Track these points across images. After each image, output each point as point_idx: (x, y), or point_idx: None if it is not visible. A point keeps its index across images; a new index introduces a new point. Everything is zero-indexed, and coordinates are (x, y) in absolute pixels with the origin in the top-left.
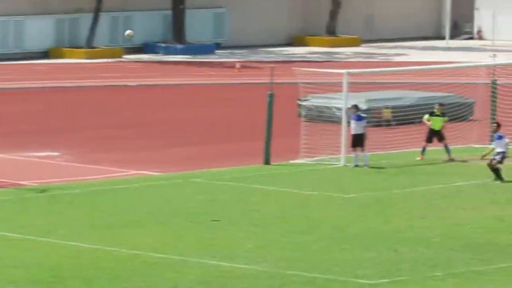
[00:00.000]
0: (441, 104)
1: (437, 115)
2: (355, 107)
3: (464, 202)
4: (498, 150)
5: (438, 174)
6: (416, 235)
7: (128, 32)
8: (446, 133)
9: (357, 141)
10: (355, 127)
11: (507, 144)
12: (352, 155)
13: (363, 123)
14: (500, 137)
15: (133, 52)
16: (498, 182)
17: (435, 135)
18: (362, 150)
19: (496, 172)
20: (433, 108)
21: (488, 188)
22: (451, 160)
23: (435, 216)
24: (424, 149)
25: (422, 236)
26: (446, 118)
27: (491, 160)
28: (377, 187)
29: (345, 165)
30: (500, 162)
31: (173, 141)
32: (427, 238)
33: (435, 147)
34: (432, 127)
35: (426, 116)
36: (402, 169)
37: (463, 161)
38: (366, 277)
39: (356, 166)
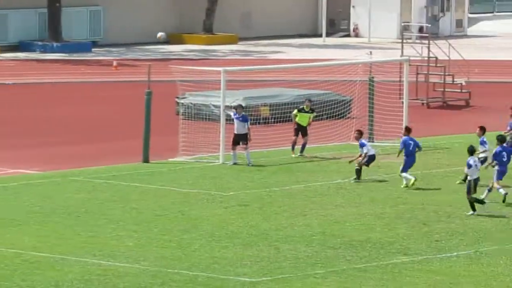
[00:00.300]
0: (309, 100)
1: (306, 112)
2: (241, 107)
3: (343, 200)
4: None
5: (317, 171)
6: (297, 232)
7: (160, 34)
8: (324, 131)
9: (239, 140)
10: (238, 127)
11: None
12: (231, 153)
13: (247, 124)
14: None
15: (9, 50)
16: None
17: (301, 130)
18: (245, 148)
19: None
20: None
21: (367, 185)
22: (302, 156)
23: (315, 214)
24: (294, 145)
25: (302, 234)
26: (314, 114)
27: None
28: (257, 185)
29: (223, 163)
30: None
31: (52, 140)
32: (307, 236)
33: (314, 145)
34: (299, 122)
35: (295, 112)
36: (281, 167)
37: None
38: (247, 275)
39: (235, 164)
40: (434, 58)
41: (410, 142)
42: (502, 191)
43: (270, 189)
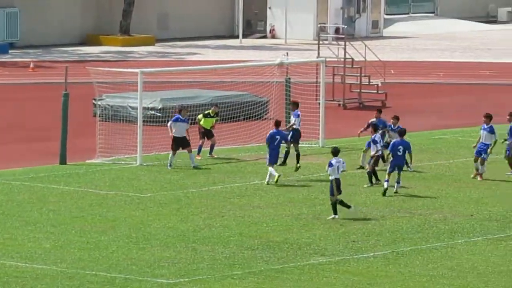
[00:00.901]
0: (216, 106)
1: (212, 116)
2: (185, 108)
3: (261, 201)
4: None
5: (235, 172)
6: (214, 234)
7: (279, 61)
8: (241, 132)
9: (180, 144)
10: (179, 130)
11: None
12: (170, 155)
13: (186, 125)
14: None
15: None
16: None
17: (207, 133)
18: (190, 151)
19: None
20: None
21: (285, 187)
22: (212, 157)
23: (232, 215)
24: (200, 149)
25: (220, 235)
26: (217, 118)
27: None
28: (174, 186)
29: (141, 165)
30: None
31: None
32: (225, 237)
33: (231, 146)
34: (204, 125)
35: (200, 116)
36: (199, 168)
37: (254, 159)
38: (165, 276)
39: (171, 167)
40: (350, 59)
41: (277, 137)
42: (385, 184)
43: (187, 191)
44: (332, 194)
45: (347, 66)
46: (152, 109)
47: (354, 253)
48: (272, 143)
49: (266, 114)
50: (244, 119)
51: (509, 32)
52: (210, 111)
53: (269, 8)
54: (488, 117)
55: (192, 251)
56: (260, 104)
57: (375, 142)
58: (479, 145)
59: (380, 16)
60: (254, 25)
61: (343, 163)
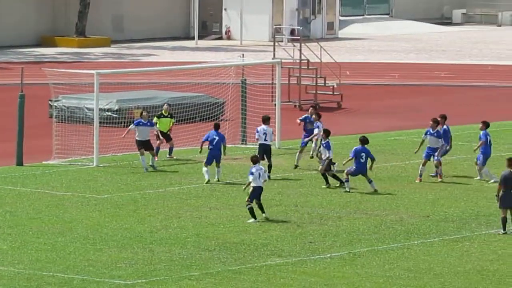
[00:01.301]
0: (168, 105)
1: (165, 117)
2: (146, 111)
3: (218, 202)
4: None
5: (191, 174)
6: (171, 235)
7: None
8: (197, 133)
9: (143, 147)
10: (142, 134)
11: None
12: (140, 158)
13: (150, 128)
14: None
15: None
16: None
17: (164, 136)
18: (153, 155)
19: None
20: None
21: (241, 188)
22: (171, 158)
23: (189, 216)
24: (158, 150)
25: (177, 236)
26: (173, 120)
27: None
28: (131, 188)
29: (97, 166)
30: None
31: None
32: (182, 238)
33: (187, 147)
34: (160, 129)
35: (155, 119)
36: (155, 170)
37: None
38: (122, 277)
39: (147, 170)
40: (306, 61)
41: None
42: (347, 186)
43: (144, 192)
44: (251, 200)
45: (302, 67)
46: (108, 110)
47: (311, 254)
48: (211, 143)
49: (222, 115)
50: (200, 120)
51: (464, 33)
52: (163, 110)
53: (225, 9)
54: (435, 122)
55: (149, 252)
56: (216, 105)
57: (328, 147)
58: (426, 149)
59: (335, 18)
60: (210, 27)
61: (264, 171)
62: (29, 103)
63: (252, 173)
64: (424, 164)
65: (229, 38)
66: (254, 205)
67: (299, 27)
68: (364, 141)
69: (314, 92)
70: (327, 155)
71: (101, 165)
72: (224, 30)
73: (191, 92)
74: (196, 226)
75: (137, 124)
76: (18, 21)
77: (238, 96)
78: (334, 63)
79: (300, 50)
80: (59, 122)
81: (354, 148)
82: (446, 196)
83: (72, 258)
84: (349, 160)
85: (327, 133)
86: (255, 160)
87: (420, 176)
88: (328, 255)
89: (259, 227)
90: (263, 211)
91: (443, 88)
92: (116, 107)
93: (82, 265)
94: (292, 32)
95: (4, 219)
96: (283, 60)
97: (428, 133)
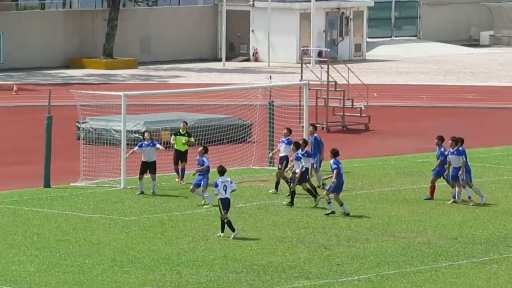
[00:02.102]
0: (185, 122)
1: (182, 135)
2: (148, 132)
3: (245, 224)
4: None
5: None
6: (199, 257)
7: None
8: (225, 155)
9: (148, 168)
10: (147, 155)
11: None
12: (138, 182)
13: (153, 148)
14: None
15: None
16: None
17: (180, 157)
18: (154, 178)
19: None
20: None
21: (268, 209)
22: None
23: (217, 238)
24: (177, 171)
25: (204, 258)
26: (192, 139)
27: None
28: (158, 210)
29: (125, 188)
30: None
31: None
32: (209, 260)
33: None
34: (176, 147)
35: (172, 138)
36: (182, 191)
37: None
38: None
39: (142, 193)
40: (333, 82)
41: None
42: (331, 207)
43: (171, 214)
44: (221, 213)
45: (330, 89)
46: (135, 132)
47: (339, 276)
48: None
49: (249, 137)
50: (227, 142)
51: (491, 55)
52: (180, 129)
53: (252, 31)
54: (454, 141)
55: (177, 274)
56: (244, 127)
57: (298, 158)
58: (452, 170)
59: (362, 39)
60: (237, 48)
61: (231, 182)
62: (56, 124)
63: (216, 185)
64: (453, 186)
65: (256, 59)
66: (224, 217)
67: (326, 49)
68: (336, 153)
69: (342, 114)
70: (302, 167)
71: (129, 187)
72: (251, 51)
73: (218, 114)
74: (223, 248)
75: (140, 146)
76: (46, 43)
77: (266, 118)
78: (362, 85)
79: (328, 72)
80: (86, 143)
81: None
82: (473, 218)
83: (99, 280)
84: (329, 177)
85: (297, 145)
86: (221, 171)
87: (454, 198)
88: (356, 277)
89: (287, 249)
90: (233, 229)
91: (471, 110)
92: (144, 129)
93: (109, 287)
94: (320, 54)
95: (31, 241)
96: (310, 82)
97: (449, 152)
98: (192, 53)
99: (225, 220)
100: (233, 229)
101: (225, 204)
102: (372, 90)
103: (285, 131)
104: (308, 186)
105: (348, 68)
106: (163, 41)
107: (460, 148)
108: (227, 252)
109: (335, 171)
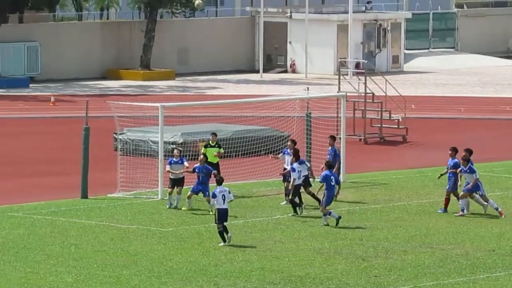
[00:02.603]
0: (214, 134)
1: (212, 146)
2: (178, 149)
3: (283, 235)
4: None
5: (256, 207)
6: (236, 268)
7: (197, 2)
8: (262, 167)
9: (175, 184)
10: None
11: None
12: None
13: (182, 165)
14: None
15: None
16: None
17: (213, 168)
18: (179, 192)
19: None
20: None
21: (305, 221)
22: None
23: (254, 249)
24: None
25: (242, 270)
26: (221, 150)
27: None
28: (196, 221)
29: (162, 199)
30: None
31: None
32: (247, 271)
33: (252, 181)
34: (209, 159)
35: (202, 149)
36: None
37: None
38: None
39: (171, 205)
40: (371, 94)
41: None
42: (334, 215)
43: (208, 225)
44: (220, 223)
45: (367, 101)
46: (173, 143)
47: None
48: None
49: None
50: (265, 153)
51: None
52: (210, 140)
53: (290, 42)
54: (466, 160)
55: (214, 285)
56: (281, 138)
57: (293, 169)
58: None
59: (400, 51)
60: (275, 60)
61: (228, 192)
62: (94, 135)
63: (215, 196)
64: (462, 197)
65: (294, 71)
66: (220, 227)
67: (364, 61)
68: (330, 165)
69: (379, 125)
70: (294, 179)
71: (166, 198)
72: (289, 63)
73: (255, 126)
74: (261, 260)
75: (170, 163)
76: (83, 54)
77: (303, 130)
78: (399, 97)
79: (365, 84)
80: (123, 155)
81: (323, 173)
82: (511, 230)
83: None
84: (321, 186)
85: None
86: (219, 181)
87: (462, 210)
88: None
89: (324, 261)
90: (227, 232)
91: (509, 122)
92: (181, 140)
93: None
94: (357, 65)
95: (69, 252)
96: (348, 94)
97: (462, 170)
98: (229, 65)
99: (219, 230)
100: (224, 240)
101: (222, 214)
102: (410, 102)
103: (289, 142)
104: (310, 190)
105: (386, 80)
106: (200, 52)
107: (471, 165)
108: (265, 263)
109: (324, 184)
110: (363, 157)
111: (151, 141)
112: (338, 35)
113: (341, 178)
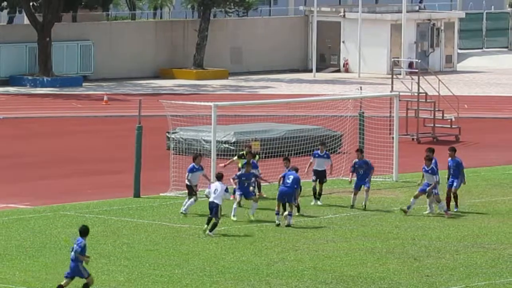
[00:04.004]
0: (250, 147)
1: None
2: (199, 155)
3: (335, 235)
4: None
5: (309, 206)
6: (288, 267)
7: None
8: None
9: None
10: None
11: None
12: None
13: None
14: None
15: None
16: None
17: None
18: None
19: None
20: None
21: (358, 220)
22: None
23: (306, 249)
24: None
25: (294, 269)
26: (257, 157)
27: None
28: (247, 220)
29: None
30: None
31: (43, 174)
32: (299, 271)
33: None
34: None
35: (235, 158)
36: (272, 201)
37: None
38: None
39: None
40: (424, 94)
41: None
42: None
43: (261, 224)
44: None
45: (420, 100)
46: (225, 142)
47: (428, 287)
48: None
49: (340, 148)
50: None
51: None
52: (245, 152)
53: (343, 42)
54: (429, 160)
55: (266, 285)
56: (334, 138)
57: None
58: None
59: (453, 51)
60: (328, 59)
61: (226, 190)
62: (147, 134)
63: (209, 187)
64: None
65: (347, 70)
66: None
67: (417, 60)
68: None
69: (432, 125)
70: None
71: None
72: (342, 62)
73: (308, 125)
74: (313, 259)
75: (191, 170)
76: (137, 54)
77: (356, 129)
78: (452, 96)
79: (418, 83)
80: (176, 154)
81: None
82: None
83: None
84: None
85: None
86: (218, 176)
87: (409, 208)
88: None
89: (376, 260)
90: (207, 225)
91: None
92: (234, 140)
93: None
94: (410, 65)
95: (121, 251)
96: (401, 93)
97: (424, 170)
98: (282, 64)
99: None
100: (211, 229)
101: (210, 208)
102: (463, 102)
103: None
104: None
105: (439, 79)
106: (253, 51)
107: (434, 166)
108: (317, 263)
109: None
110: (416, 157)
111: (204, 140)
112: (392, 34)
113: (393, 177)
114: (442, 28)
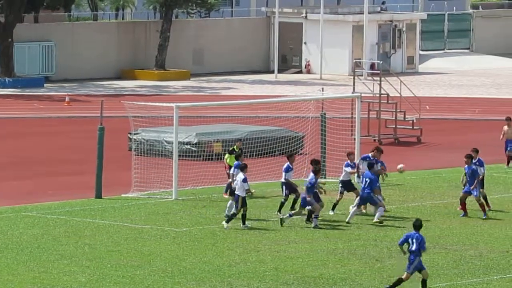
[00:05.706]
0: (239, 140)
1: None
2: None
3: (297, 236)
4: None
5: (270, 207)
6: (250, 268)
7: (400, 166)
8: (277, 167)
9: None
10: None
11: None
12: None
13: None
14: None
15: None
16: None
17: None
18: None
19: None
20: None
21: (319, 222)
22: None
23: (268, 250)
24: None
25: (255, 270)
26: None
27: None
28: (210, 221)
29: (176, 199)
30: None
31: (5, 175)
32: (261, 272)
33: (266, 181)
34: (230, 164)
35: (227, 156)
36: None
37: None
38: None
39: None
40: (386, 95)
41: None
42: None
43: (222, 225)
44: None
45: (382, 101)
46: (187, 143)
47: None
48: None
49: (301, 149)
50: (279, 154)
51: None
52: (235, 146)
53: (305, 43)
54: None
55: (228, 285)
56: (296, 139)
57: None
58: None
59: (415, 52)
60: (290, 60)
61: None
62: (108, 135)
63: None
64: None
65: (308, 72)
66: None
67: (379, 61)
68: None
69: (394, 126)
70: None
71: (180, 198)
72: (304, 63)
73: (270, 126)
74: (274, 260)
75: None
76: (99, 55)
77: (318, 130)
78: (414, 98)
79: (380, 84)
80: (138, 155)
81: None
82: None
83: None
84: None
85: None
86: (242, 168)
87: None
88: None
89: (338, 261)
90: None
91: None
92: (196, 141)
93: None
94: (372, 66)
95: (83, 252)
96: (362, 94)
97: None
98: (244, 65)
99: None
100: (242, 222)
101: (235, 200)
102: (425, 103)
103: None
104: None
105: (401, 81)
106: (215, 52)
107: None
108: (278, 263)
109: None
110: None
111: (166, 141)
112: (353, 35)
113: (355, 178)
114: (404, 29)
